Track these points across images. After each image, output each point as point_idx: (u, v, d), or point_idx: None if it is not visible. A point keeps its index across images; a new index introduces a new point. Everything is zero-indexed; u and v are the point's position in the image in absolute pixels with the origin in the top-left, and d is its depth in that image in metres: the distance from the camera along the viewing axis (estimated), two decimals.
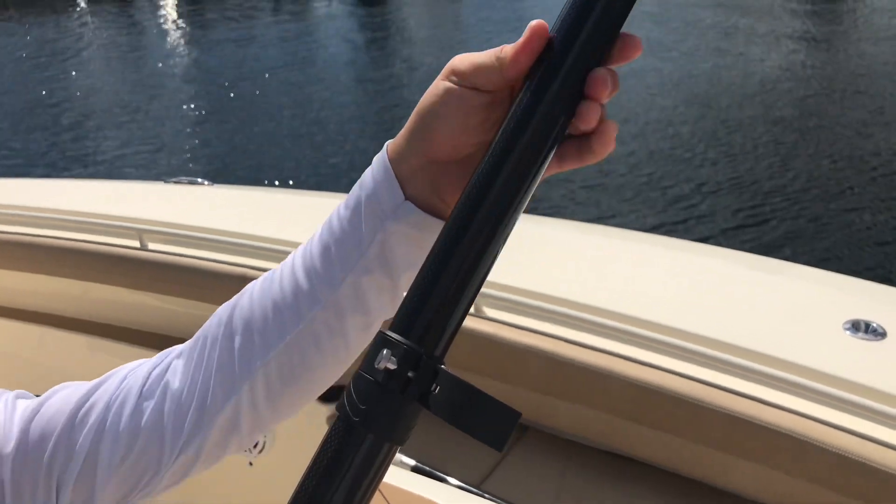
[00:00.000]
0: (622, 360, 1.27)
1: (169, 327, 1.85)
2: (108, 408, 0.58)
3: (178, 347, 0.61)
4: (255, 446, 1.74)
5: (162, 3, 17.54)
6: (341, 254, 0.54)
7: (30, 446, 0.58)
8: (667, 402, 1.22)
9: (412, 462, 1.36)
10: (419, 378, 0.44)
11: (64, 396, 0.60)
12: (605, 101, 0.46)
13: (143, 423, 0.57)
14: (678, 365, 1.24)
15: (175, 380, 0.58)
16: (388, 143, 0.54)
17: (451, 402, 0.43)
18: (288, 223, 1.69)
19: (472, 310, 1.41)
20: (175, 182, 1.96)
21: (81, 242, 1.76)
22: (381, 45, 12.73)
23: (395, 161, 0.53)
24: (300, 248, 0.58)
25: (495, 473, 1.41)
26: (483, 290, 1.47)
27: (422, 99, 0.51)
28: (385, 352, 0.44)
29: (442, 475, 1.33)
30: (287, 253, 1.55)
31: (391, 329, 0.45)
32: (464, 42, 12.33)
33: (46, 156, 7.94)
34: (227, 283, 1.61)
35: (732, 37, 10.92)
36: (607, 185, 6.64)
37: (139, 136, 8.39)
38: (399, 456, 1.36)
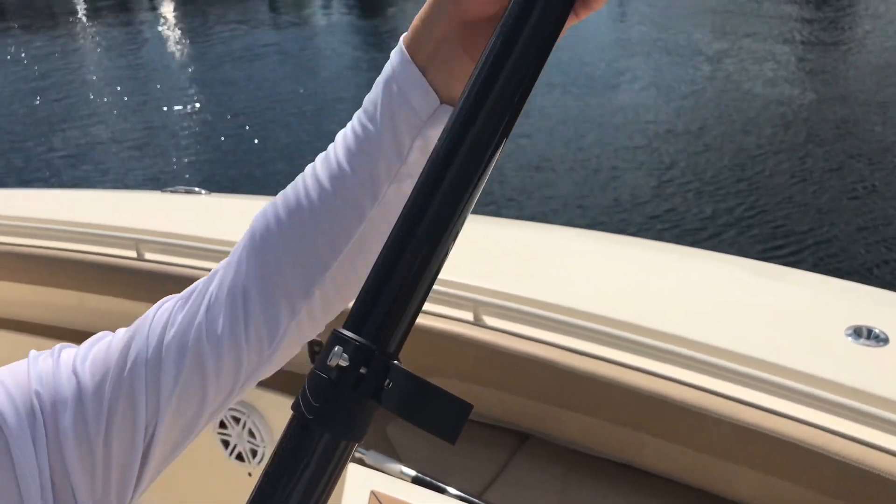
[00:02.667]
0: (623, 369, 1.26)
1: None
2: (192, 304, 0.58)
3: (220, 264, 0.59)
4: (254, 456, 1.73)
5: (162, 12, 17.63)
6: (379, 161, 0.53)
7: (112, 372, 0.56)
8: (669, 411, 1.21)
9: (413, 473, 1.34)
10: (371, 374, 0.44)
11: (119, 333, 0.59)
12: None
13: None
14: (680, 373, 1.23)
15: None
16: (403, 36, 0.53)
17: (403, 397, 0.43)
18: None
19: (472, 318, 1.41)
20: (171, 191, 1.95)
21: (78, 253, 1.75)
22: (381, 53, 12.76)
23: (414, 47, 0.52)
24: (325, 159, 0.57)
25: (496, 483, 1.39)
26: (483, 298, 1.46)
27: None
28: (337, 349, 0.44)
29: (443, 486, 1.32)
30: None
31: (344, 326, 0.45)
32: None
33: (45, 166, 7.95)
34: None
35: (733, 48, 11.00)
36: (604, 189, 6.64)
37: (139, 146, 8.40)
38: (399, 467, 1.35)
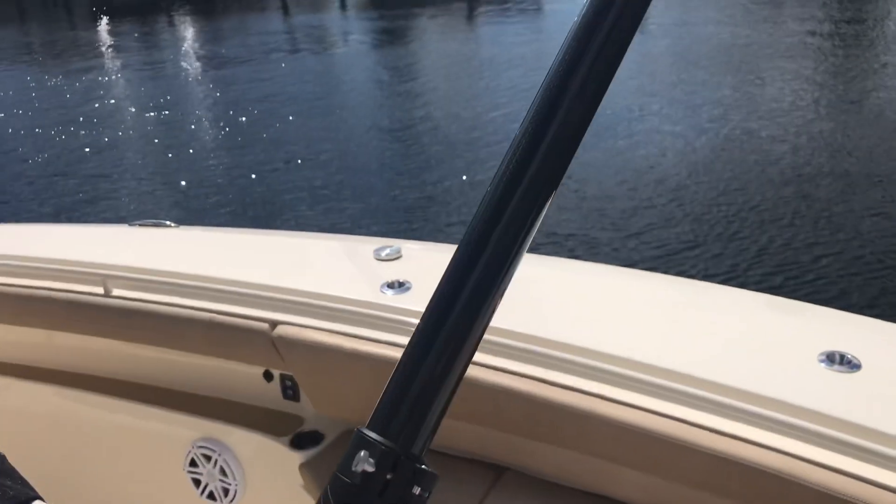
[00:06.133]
0: (599, 400, 1.25)
1: (136, 374, 1.81)
2: None
3: None
4: (226, 495, 1.69)
5: (180, 33, 17.71)
6: None
7: None
8: (646, 442, 1.20)
9: None
10: (397, 480, 0.42)
11: None
12: None
13: None
14: (655, 403, 1.22)
15: None
16: None
17: None
18: (256, 265, 1.66)
19: None
20: (140, 224, 1.92)
21: (44, 290, 1.72)
22: (395, 82, 12.90)
23: None
24: None
25: None
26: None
27: None
28: (362, 453, 0.42)
29: None
30: (257, 297, 1.53)
31: (368, 427, 0.44)
32: (479, 73, 12.54)
33: (52, 199, 7.88)
34: (195, 329, 1.57)
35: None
36: (580, 214, 6.68)
37: (153, 177, 8.38)
38: None
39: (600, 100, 0.47)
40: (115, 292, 1.65)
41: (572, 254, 5.81)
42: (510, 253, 0.46)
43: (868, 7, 18.47)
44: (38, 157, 9.33)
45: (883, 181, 6.98)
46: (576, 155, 0.47)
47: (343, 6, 27.59)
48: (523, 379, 1.31)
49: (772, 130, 8.62)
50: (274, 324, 1.48)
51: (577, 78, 0.45)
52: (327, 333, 1.44)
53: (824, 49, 13.64)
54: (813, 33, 14.90)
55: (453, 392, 0.45)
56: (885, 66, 12.19)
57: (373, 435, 0.42)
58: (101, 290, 1.65)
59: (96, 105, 11.70)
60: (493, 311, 0.46)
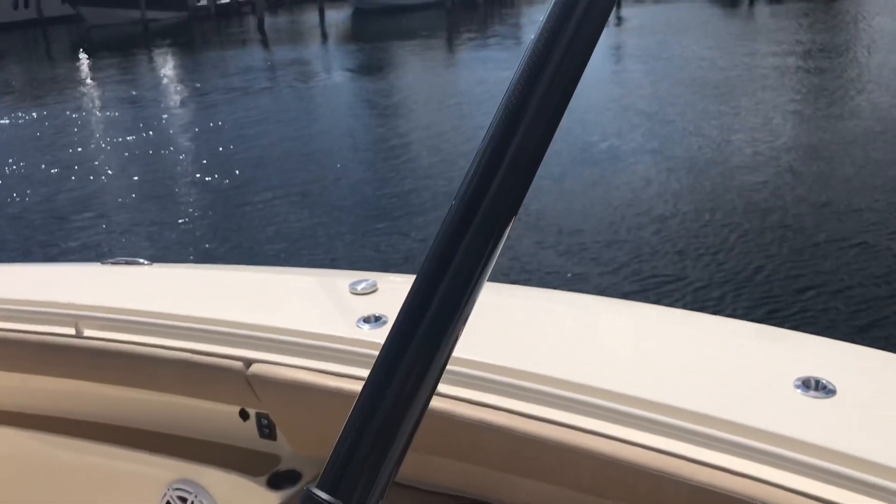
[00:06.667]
0: (580, 433, 1.23)
1: (110, 416, 1.77)
2: None
3: None
4: None
5: (160, 68, 17.79)
6: None
7: None
8: (627, 474, 1.18)
9: None
10: None
11: None
12: None
13: None
14: (635, 435, 1.21)
15: None
16: None
17: None
18: (231, 302, 1.64)
19: None
20: (112, 263, 1.90)
21: (16, 332, 1.69)
22: (375, 115, 12.99)
23: None
24: None
25: None
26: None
27: None
28: None
29: None
30: (231, 335, 1.51)
31: (318, 486, 0.42)
32: (459, 106, 12.64)
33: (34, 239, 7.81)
34: (169, 369, 1.55)
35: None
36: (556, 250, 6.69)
37: (130, 213, 8.33)
38: None
39: (557, 123, 0.44)
40: (87, 333, 1.62)
41: (552, 286, 5.80)
42: (469, 282, 0.43)
43: (839, 38, 18.87)
44: (13, 194, 9.27)
45: (861, 210, 7.05)
46: (534, 181, 0.45)
47: (324, 38, 27.84)
48: (503, 413, 1.30)
49: (749, 160, 8.73)
50: (249, 362, 1.46)
51: (533, 102, 0.43)
52: (303, 371, 1.42)
53: (800, 80, 13.92)
54: (787, 65, 15.21)
55: (412, 435, 0.43)
56: (859, 92, 12.44)
57: (323, 495, 0.41)
58: (72, 331, 1.63)
59: (74, 141, 11.68)
60: (452, 347, 0.43)
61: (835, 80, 13.84)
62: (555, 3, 0.43)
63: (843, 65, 15.49)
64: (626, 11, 29.23)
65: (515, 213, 0.43)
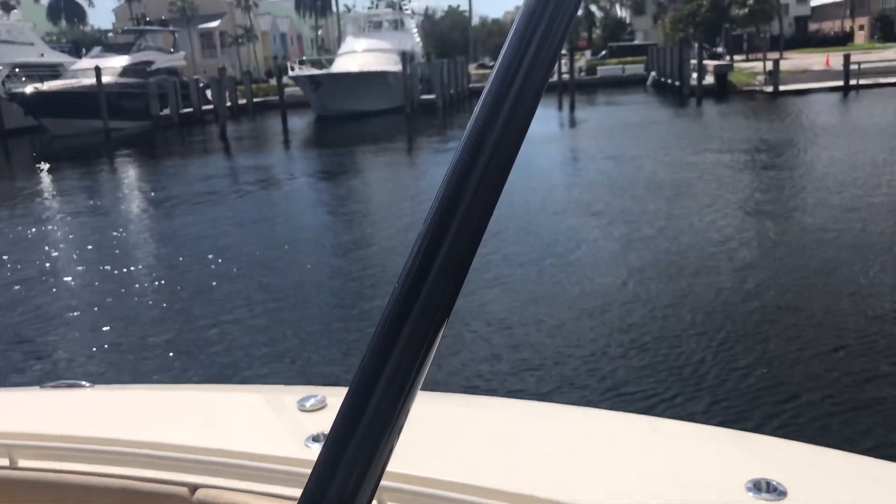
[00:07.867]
0: None
1: None
2: None
3: None
4: None
5: (121, 177, 17.80)
6: None
7: None
8: None
9: None
10: None
11: None
12: None
13: None
14: None
15: None
16: None
17: None
18: (175, 424, 1.59)
19: None
20: (53, 386, 1.84)
21: None
22: (339, 219, 13.08)
23: None
24: None
25: None
26: (385, 483, 1.39)
27: None
28: None
29: None
30: (175, 459, 1.45)
31: None
32: (420, 204, 12.82)
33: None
34: (108, 498, 1.48)
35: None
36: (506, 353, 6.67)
37: (81, 332, 8.08)
38: None
39: (489, 218, 0.45)
40: (22, 463, 1.55)
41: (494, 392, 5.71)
42: (402, 392, 0.42)
43: (783, 135, 19.75)
44: None
45: (811, 309, 7.14)
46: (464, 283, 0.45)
47: (286, 145, 28.27)
48: None
49: (701, 259, 8.90)
50: (194, 487, 1.41)
51: (465, 200, 0.44)
52: (251, 495, 1.37)
53: (750, 177, 14.44)
54: (736, 162, 15.83)
55: None
56: (804, 189, 12.92)
57: None
58: (6, 462, 1.56)
59: (29, 257, 11.46)
60: (386, 460, 0.42)
61: (781, 176, 14.40)
62: (487, 91, 0.45)
63: (788, 161, 16.17)
64: (580, 113, 30.32)
65: (447, 317, 0.43)
